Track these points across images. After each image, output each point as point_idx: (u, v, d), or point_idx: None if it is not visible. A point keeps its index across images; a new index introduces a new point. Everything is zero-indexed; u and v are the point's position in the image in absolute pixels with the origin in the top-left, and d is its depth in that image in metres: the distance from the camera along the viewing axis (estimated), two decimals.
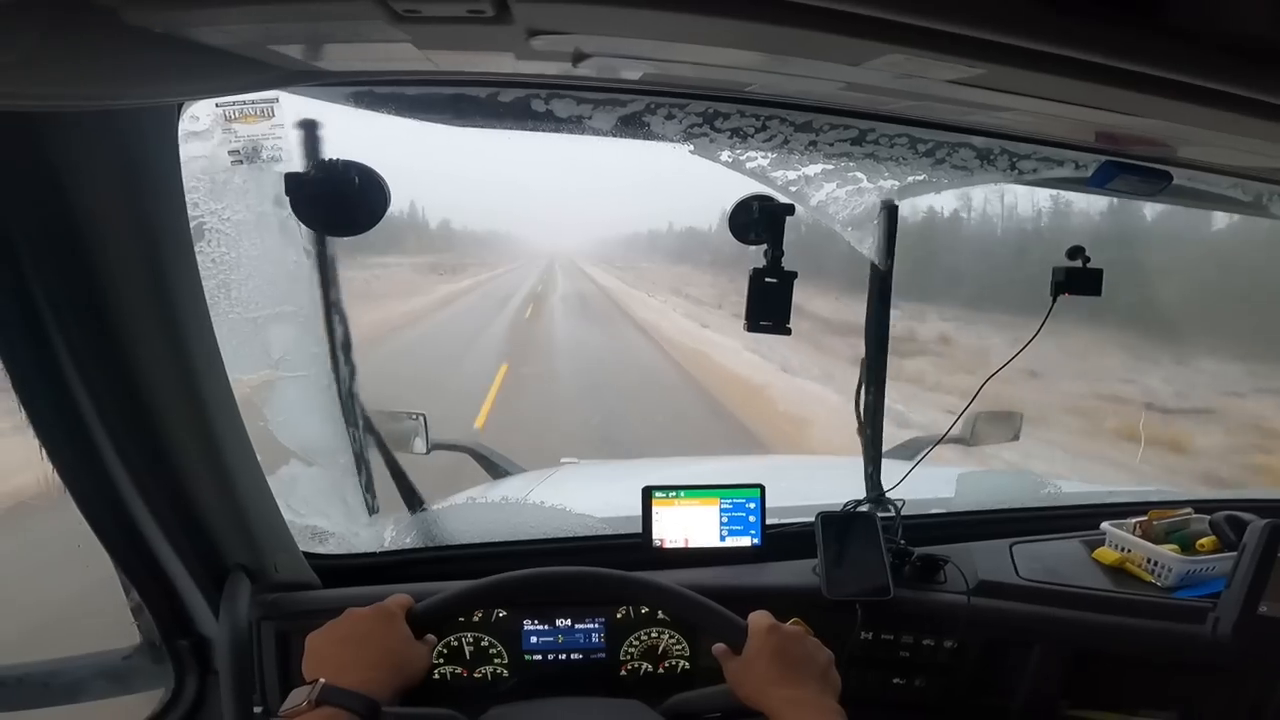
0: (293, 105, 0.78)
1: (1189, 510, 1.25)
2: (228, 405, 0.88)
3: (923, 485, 1.30)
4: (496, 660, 1.09)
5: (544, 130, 0.90)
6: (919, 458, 1.34)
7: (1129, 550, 1.22)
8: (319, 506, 1.12)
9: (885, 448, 1.38)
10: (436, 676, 1.08)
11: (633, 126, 0.91)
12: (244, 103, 0.78)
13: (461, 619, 1.06)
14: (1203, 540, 1.20)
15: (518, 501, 1.31)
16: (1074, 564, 1.23)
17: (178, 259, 0.77)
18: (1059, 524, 1.35)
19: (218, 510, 0.92)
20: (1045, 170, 1.06)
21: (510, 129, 0.89)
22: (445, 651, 1.08)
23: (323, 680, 0.71)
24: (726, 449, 6.28)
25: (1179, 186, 1.06)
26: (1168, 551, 1.17)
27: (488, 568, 0.92)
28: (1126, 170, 1.00)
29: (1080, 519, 1.36)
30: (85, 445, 0.81)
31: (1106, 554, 1.24)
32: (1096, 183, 1.04)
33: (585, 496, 1.42)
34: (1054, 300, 1.14)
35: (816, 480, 1.56)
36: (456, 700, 0.91)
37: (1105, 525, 1.27)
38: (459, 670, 1.08)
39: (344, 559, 1.14)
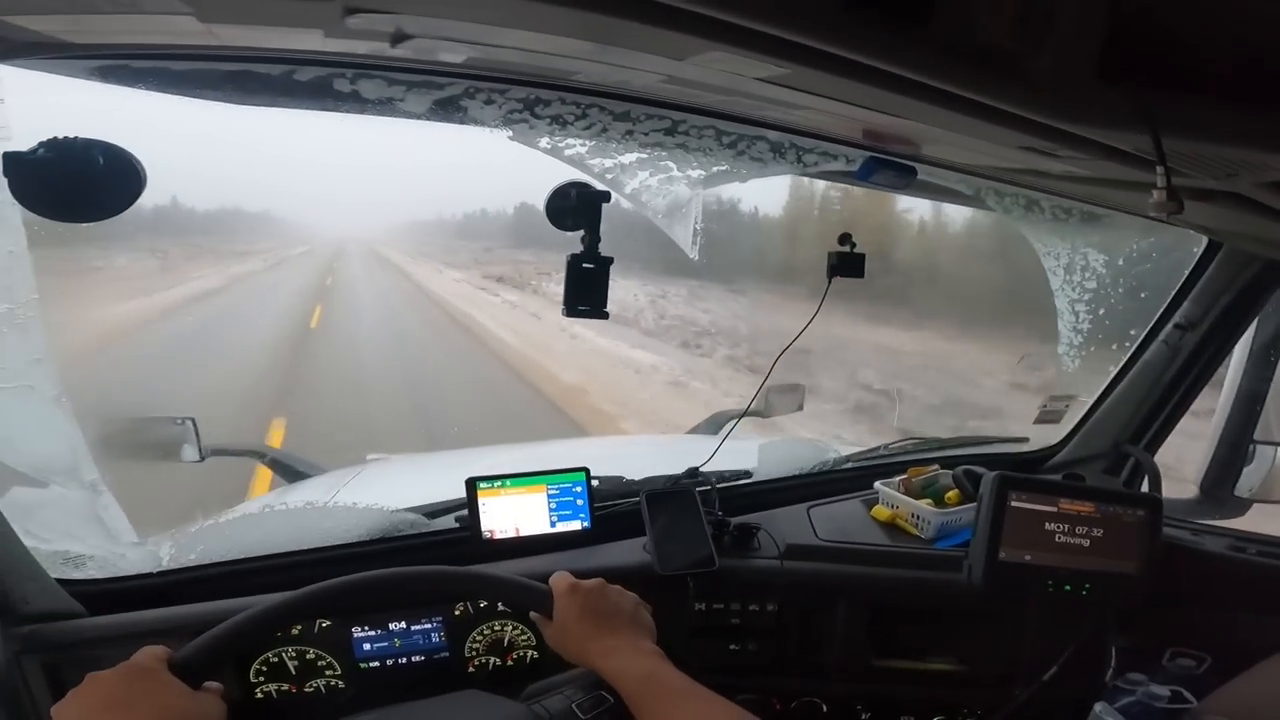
0: (19, 79, 0.62)
1: (936, 467, 1.44)
2: None
3: (728, 458, 1.40)
4: (329, 672, 1.01)
5: (346, 112, 0.82)
6: (726, 431, 1.43)
7: (897, 507, 1.36)
8: (66, 529, 0.97)
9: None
10: (260, 696, 0.99)
11: (449, 110, 0.87)
12: None
13: (280, 634, 0.97)
14: (949, 493, 1.36)
15: (324, 504, 1.21)
16: (858, 523, 1.36)
17: None
18: (843, 485, 1.50)
19: None
20: (824, 164, 1.17)
21: (305, 109, 0.80)
22: (265, 669, 0.99)
23: None
24: None
25: (922, 181, 1.25)
26: (925, 506, 1.32)
27: (297, 578, 0.86)
28: (884, 165, 1.14)
29: (859, 479, 1.51)
30: None
31: (881, 511, 1.37)
32: (861, 176, 1.17)
33: (401, 493, 1.34)
34: (829, 281, 1.27)
35: (636, 460, 1.63)
36: (291, 718, 0.83)
37: (877, 484, 1.41)
38: (286, 688, 1.00)
39: (111, 583, 1.01)
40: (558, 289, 1.06)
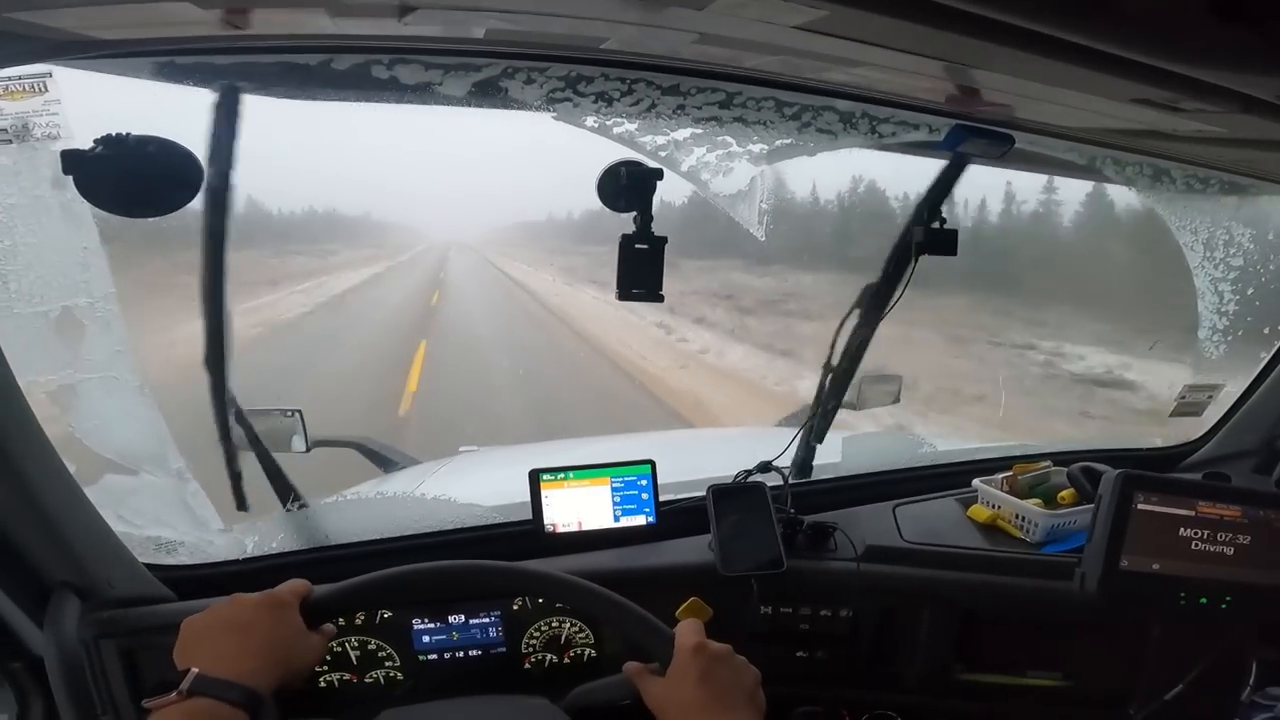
0: (76, 80, 0.67)
1: (1048, 463, 1.30)
2: (18, 410, 0.78)
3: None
4: (388, 664, 1.03)
5: (390, 100, 0.84)
6: (804, 424, 1.36)
7: (999, 507, 1.24)
8: (156, 516, 1.03)
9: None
10: (323, 685, 1.02)
11: (489, 93, 0.85)
12: (10, 78, 0.67)
13: (343, 622, 1.00)
14: (1063, 493, 1.23)
15: (401, 495, 1.24)
16: (952, 523, 1.25)
17: None
18: (936, 483, 1.38)
19: (25, 528, 0.84)
20: (903, 134, 1.08)
21: (351, 100, 0.82)
22: (329, 659, 1.02)
23: (195, 670, 0.65)
24: None
25: (1021, 151, 1.11)
26: (1033, 506, 1.20)
27: (365, 567, 0.86)
28: (974, 134, 1.04)
29: (954, 476, 1.38)
30: None
31: (980, 511, 1.26)
32: (948, 145, 1.07)
33: (484, 485, 1.37)
34: (914, 260, 1.17)
35: (710, 454, 1.57)
36: (350, 708, 0.86)
37: (976, 482, 1.29)
38: (347, 677, 1.02)
39: (200, 569, 1.06)
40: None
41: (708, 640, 0.78)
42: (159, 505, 1.02)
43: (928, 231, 1.16)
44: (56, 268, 0.78)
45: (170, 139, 0.70)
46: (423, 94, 0.83)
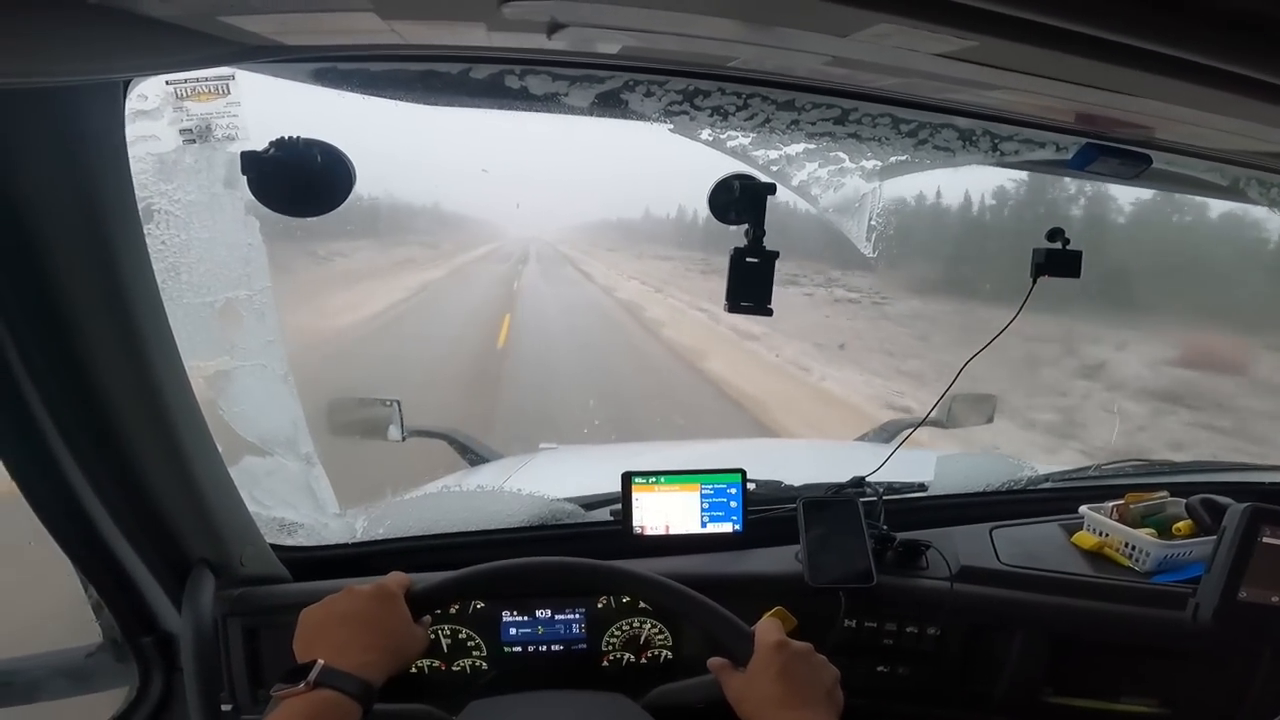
0: (250, 83, 0.74)
1: (1164, 493, 1.24)
2: (183, 392, 0.85)
3: (901, 468, 1.29)
4: (475, 653, 1.06)
5: (518, 109, 0.87)
6: (898, 441, 1.33)
7: (1107, 534, 1.21)
8: (285, 498, 1.09)
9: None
10: (413, 670, 1.06)
11: (611, 104, 0.88)
12: (197, 80, 0.74)
13: (438, 610, 1.03)
14: (1179, 524, 1.19)
15: (494, 489, 1.28)
16: (1054, 549, 1.23)
17: (126, 242, 0.73)
18: (1038, 507, 1.35)
19: (177, 503, 0.89)
20: (1027, 152, 1.04)
21: (483, 107, 0.86)
22: (428, 635, 1.06)
23: (321, 661, 0.69)
24: None
25: (1157, 170, 1.05)
26: (1145, 536, 1.16)
27: (462, 558, 0.90)
28: (1107, 153, 0.99)
29: (1058, 502, 1.35)
30: (33, 437, 0.77)
31: (1085, 538, 1.23)
32: (1077, 165, 1.02)
33: (564, 482, 1.40)
34: (1034, 282, 1.13)
35: (798, 465, 1.55)
36: (434, 694, 0.89)
37: (1083, 509, 1.25)
38: (436, 664, 1.06)
39: (313, 551, 1.12)
40: None
41: (788, 638, 0.79)
42: (287, 487, 1.07)
43: (1049, 252, 1.11)
44: (224, 262, 0.85)
45: (328, 142, 0.77)
46: (548, 104, 0.87)
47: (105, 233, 0.71)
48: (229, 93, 0.73)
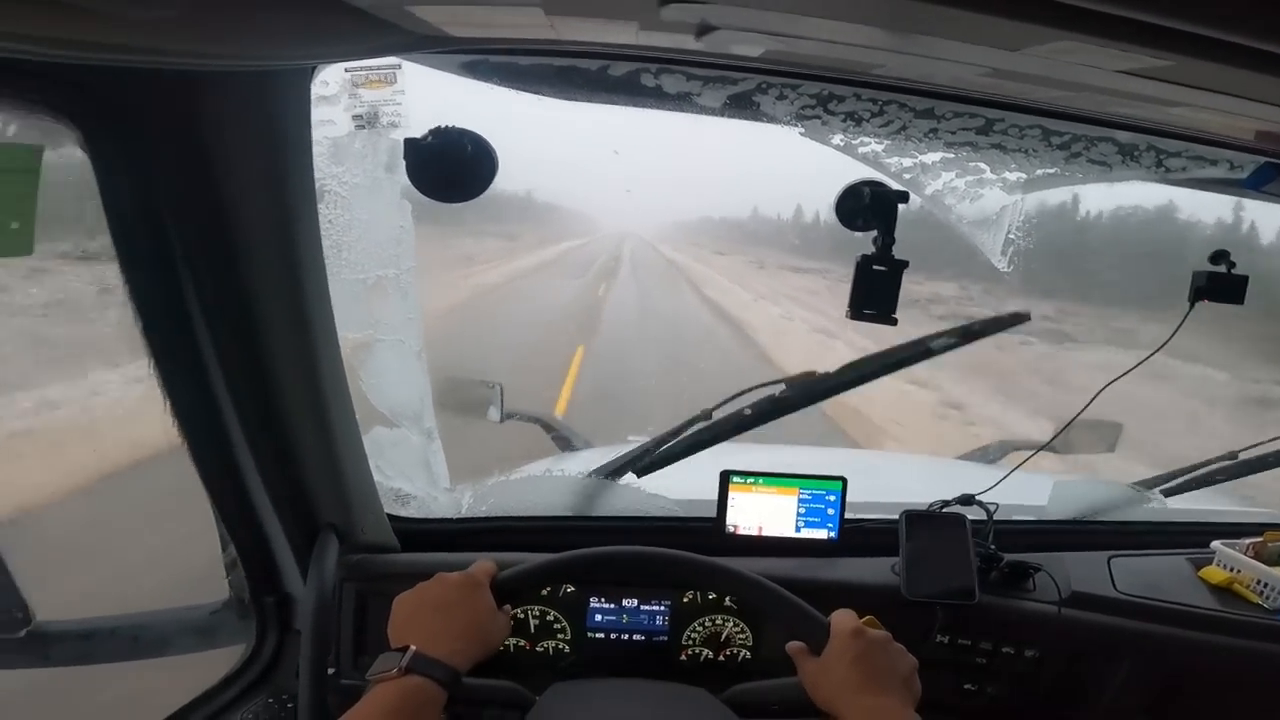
0: (408, 73, 0.79)
1: None
2: (336, 363, 0.90)
3: (1011, 490, 1.23)
4: (560, 635, 1.09)
5: (649, 107, 0.88)
6: (1020, 462, 1.29)
7: (1239, 570, 1.17)
8: (405, 469, 1.13)
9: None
10: (501, 648, 1.10)
11: (741, 106, 0.88)
12: (370, 68, 0.79)
13: (533, 592, 1.07)
14: None
15: (593, 478, 1.30)
16: (1177, 581, 1.18)
17: (304, 221, 0.78)
18: (1162, 540, 1.30)
19: (317, 468, 0.94)
20: (1195, 170, 0.97)
21: (617, 104, 0.88)
22: (510, 622, 1.10)
23: (414, 648, 0.72)
24: None
25: None
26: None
27: (557, 542, 0.92)
28: None
29: (1187, 536, 1.30)
30: (206, 397, 0.83)
31: (1214, 573, 1.19)
32: (1252, 184, 0.96)
33: (655, 477, 1.41)
34: (1191, 306, 1.06)
35: (899, 478, 1.50)
36: (516, 672, 0.91)
37: (1216, 544, 1.21)
38: (522, 643, 1.08)
39: (420, 523, 1.16)
40: None
41: (864, 627, 0.78)
42: (409, 460, 1.12)
43: (1211, 275, 1.03)
44: (379, 242, 0.90)
45: (479, 133, 0.81)
46: (680, 103, 0.88)
47: (288, 212, 0.76)
48: (395, 81, 0.78)
